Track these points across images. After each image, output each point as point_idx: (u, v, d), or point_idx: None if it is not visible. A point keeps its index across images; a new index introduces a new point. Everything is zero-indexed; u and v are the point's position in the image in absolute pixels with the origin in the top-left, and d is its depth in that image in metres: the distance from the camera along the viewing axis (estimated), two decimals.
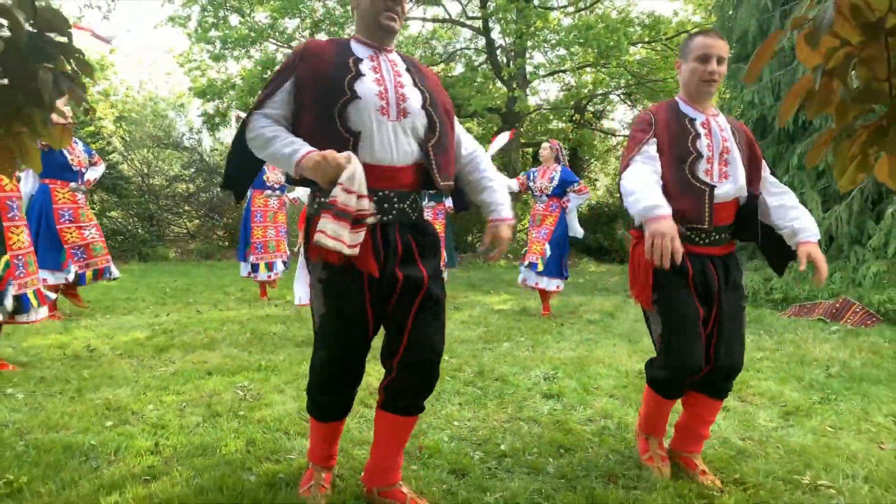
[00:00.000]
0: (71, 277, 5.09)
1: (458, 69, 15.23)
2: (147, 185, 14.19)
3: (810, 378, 3.89)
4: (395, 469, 2.15)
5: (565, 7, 13.13)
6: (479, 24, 13.79)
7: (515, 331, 5.24)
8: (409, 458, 2.51)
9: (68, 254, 5.07)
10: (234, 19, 13.61)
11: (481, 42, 14.59)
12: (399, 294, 1.98)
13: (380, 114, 1.91)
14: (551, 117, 15.78)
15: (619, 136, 20.07)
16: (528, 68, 12.41)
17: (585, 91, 15.07)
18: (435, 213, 6.80)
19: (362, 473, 2.24)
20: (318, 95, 1.90)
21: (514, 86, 11.92)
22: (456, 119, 2.21)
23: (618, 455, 2.61)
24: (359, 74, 1.92)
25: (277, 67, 2.48)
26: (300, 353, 4.19)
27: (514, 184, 6.16)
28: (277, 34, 12.15)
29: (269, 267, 6.62)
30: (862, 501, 2.26)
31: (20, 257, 3.49)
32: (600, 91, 14.96)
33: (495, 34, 13.23)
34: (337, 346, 2.00)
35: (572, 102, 15.81)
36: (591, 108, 18.53)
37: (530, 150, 18.41)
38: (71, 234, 5.14)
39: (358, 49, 2.02)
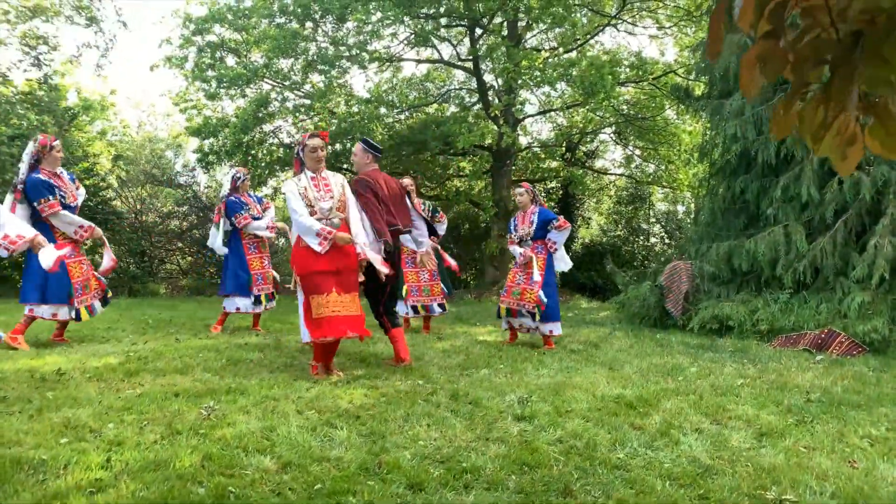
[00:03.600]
0: (73, 314, 5.06)
1: (452, 109, 15.47)
2: (140, 221, 14.26)
3: (790, 403, 3.84)
4: None
5: (556, 49, 13.44)
6: (470, 64, 14.09)
7: (496, 359, 5.19)
8: (367, 473, 2.46)
9: (74, 288, 5.04)
10: (231, 59, 13.90)
11: (475, 83, 14.87)
12: None
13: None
14: (543, 156, 15.96)
15: (613, 174, 20.27)
16: (517, 107, 12.60)
17: (575, 130, 15.29)
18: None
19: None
20: None
21: (501, 123, 12.08)
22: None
23: (580, 471, 2.56)
24: None
25: None
26: (273, 377, 4.14)
27: (517, 251, 6.00)
28: (272, 73, 12.38)
29: (270, 298, 6.59)
30: None
31: None
32: (590, 129, 15.17)
33: (486, 75, 13.50)
34: None
35: (563, 141, 16.03)
36: (583, 148, 18.77)
37: None
38: (76, 268, 5.11)
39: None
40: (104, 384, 3.79)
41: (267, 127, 13.66)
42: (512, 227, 6.13)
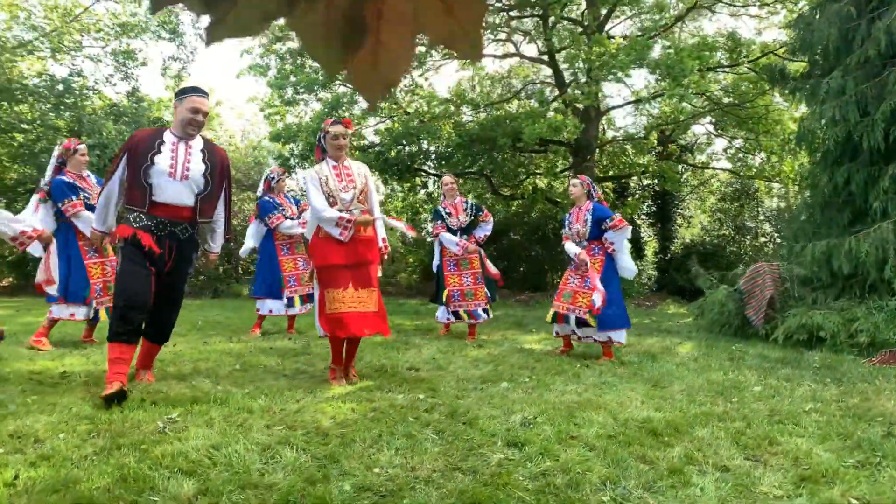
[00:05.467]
0: (91, 314, 5.17)
1: (533, 104, 14.92)
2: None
3: (861, 436, 3.11)
4: None
5: (641, 35, 12.55)
6: (544, 58, 13.49)
7: (526, 371, 4.71)
8: None
9: (92, 289, 5.15)
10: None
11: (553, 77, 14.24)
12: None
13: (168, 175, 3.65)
14: (630, 149, 14.98)
15: (713, 168, 18.74)
16: (589, 97, 11.84)
17: (665, 122, 14.21)
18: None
19: None
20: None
21: (569, 114, 11.35)
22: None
23: None
24: (158, 151, 3.66)
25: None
26: (268, 387, 3.92)
27: (573, 250, 5.45)
28: (343, 77, 12.44)
29: (305, 300, 6.49)
30: None
31: None
32: (683, 120, 14.02)
33: (562, 65, 12.85)
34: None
35: (650, 133, 14.99)
36: (681, 140, 17.45)
37: (611, 184, 17.61)
38: (96, 269, 5.21)
39: (168, 136, 3.75)
40: (99, 388, 3.72)
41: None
42: (566, 223, 5.59)
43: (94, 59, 12.19)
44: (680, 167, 16.93)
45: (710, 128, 16.13)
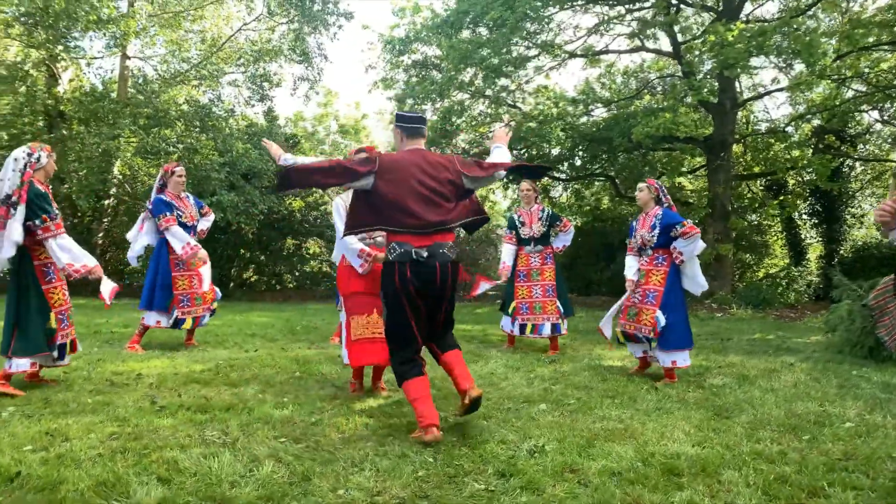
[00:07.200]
0: (170, 322, 5.68)
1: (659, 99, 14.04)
2: None
3: None
4: None
5: (775, 19, 11.29)
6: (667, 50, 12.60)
7: (581, 392, 4.40)
8: None
9: (175, 299, 5.67)
10: (437, 75, 14.48)
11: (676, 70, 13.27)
12: None
13: None
14: (774, 143, 13.51)
15: (886, 161, 16.32)
16: (706, 88, 10.83)
17: (817, 109, 12.62)
18: (543, 258, 6.18)
19: None
20: None
21: (688, 108, 10.46)
22: None
23: None
24: None
25: None
26: (306, 396, 4.05)
27: (632, 267, 5.07)
28: (457, 84, 12.56)
29: None
30: None
31: (63, 313, 4.05)
32: (838, 106, 12.35)
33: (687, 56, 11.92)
34: None
35: (805, 124, 13.42)
36: (851, 129, 15.39)
37: (758, 182, 16.05)
38: (183, 281, 5.72)
39: None
40: (155, 391, 4.08)
41: (460, 139, 13.94)
42: (632, 232, 5.18)
43: (234, 85, 13.58)
44: (842, 160, 14.98)
45: (869, 113, 14.09)
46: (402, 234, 3.31)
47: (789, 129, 13.72)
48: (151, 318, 5.65)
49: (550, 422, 3.60)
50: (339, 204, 4.26)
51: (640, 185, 5.17)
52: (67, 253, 3.94)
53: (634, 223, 5.17)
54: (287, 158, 4.00)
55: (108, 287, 4.15)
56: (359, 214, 3.41)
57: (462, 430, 3.38)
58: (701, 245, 4.81)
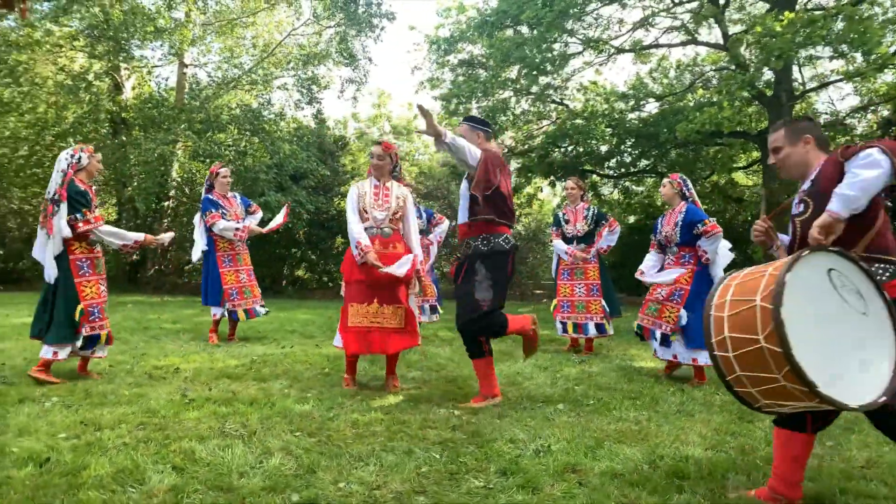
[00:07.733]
0: (224, 314, 6.05)
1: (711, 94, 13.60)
2: None
3: None
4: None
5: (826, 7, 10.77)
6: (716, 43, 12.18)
7: (604, 393, 4.37)
8: None
9: (226, 293, 6.00)
10: (482, 73, 14.49)
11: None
12: None
13: None
14: (834, 135, 12.88)
15: None
16: (757, 79, 10.41)
17: (882, 100, 11.99)
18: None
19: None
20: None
21: (725, 102, 10.08)
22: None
23: None
24: None
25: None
26: (329, 392, 4.16)
27: (653, 266, 5.07)
28: (500, 82, 12.53)
29: (433, 310, 6.77)
30: None
31: (94, 306, 4.31)
32: None
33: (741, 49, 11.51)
34: None
35: (868, 116, 12.76)
36: None
37: None
38: (230, 275, 6.05)
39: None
40: (188, 385, 4.29)
41: (507, 136, 13.90)
42: (657, 229, 5.09)
43: (283, 88, 14.00)
44: None
45: None
46: (508, 226, 3.96)
47: (851, 121, 13.06)
48: (217, 311, 6.11)
49: (564, 422, 3.60)
50: (352, 193, 4.39)
51: (665, 180, 5.10)
52: (115, 236, 4.40)
53: (660, 220, 5.09)
54: (454, 138, 3.73)
55: (167, 237, 4.77)
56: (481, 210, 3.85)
57: (473, 429, 3.42)
58: (726, 245, 4.70)
